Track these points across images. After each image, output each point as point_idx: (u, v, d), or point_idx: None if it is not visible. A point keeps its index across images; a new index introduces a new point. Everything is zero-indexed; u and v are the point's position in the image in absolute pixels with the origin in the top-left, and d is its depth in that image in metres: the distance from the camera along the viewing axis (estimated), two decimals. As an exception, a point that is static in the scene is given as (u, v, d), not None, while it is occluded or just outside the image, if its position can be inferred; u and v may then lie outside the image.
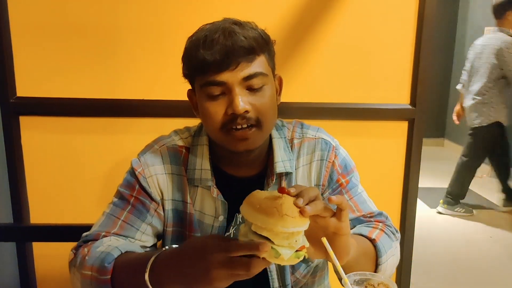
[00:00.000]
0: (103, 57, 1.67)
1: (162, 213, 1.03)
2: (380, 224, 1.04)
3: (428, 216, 3.80)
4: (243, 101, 0.91)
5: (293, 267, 1.07)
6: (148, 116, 1.70)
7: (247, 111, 0.91)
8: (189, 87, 1.03)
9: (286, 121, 1.14)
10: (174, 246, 0.85)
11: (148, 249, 1.03)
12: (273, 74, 1.00)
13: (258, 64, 0.93)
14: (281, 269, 1.06)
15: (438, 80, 6.45)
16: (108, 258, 0.87)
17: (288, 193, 0.74)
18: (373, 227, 1.02)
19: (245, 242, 0.71)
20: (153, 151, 1.05)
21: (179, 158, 1.04)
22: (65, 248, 1.58)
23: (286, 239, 0.71)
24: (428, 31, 1.74)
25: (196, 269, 0.73)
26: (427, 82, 1.80)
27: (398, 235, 1.05)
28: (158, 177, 1.02)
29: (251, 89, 0.93)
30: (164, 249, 0.83)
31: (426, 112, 1.83)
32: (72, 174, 1.74)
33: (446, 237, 3.45)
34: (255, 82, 0.92)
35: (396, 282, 1.90)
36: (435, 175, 5.02)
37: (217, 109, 0.92)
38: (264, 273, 1.06)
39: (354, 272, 0.80)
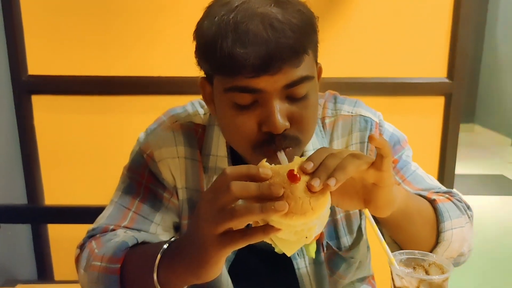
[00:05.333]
0: (115, 34, 1.62)
1: (176, 203, 0.89)
2: (446, 195, 0.87)
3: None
4: (282, 116, 0.70)
5: (330, 269, 0.92)
6: (164, 93, 1.64)
7: (286, 129, 0.72)
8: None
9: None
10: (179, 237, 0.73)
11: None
12: (316, 66, 0.79)
13: (305, 66, 0.71)
14: (316, 272, 0.91)
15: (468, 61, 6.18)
16: (121, 246, 0.75)
17: (304, 171, 0.58)
18: (436, 194, 0.86)
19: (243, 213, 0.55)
20: (164, 128, 0.89)
21: (193, 139, 0.88)
22: (80, 230, 1.53)
23: (294, 234, 0.58)
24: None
25: (195, 250, 0.61)
26: (466, 53, 1.66)
27: (471, 213, 0.86)
28: (170, 162, 0.87)
29: (292, 98, 0.72)
30: (171, 240, 0.71)
31: (464, 87, 1.70)
32: (86, 154, 1.71)
33: (481, 224, 3.30)
34: (300, 91, 0.72)
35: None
36: (466, 162, 4.82)
37: (247, 123, 0.72)
38: (294, 277, 0.91)
39: (401, 251, 0.67)
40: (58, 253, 1.78)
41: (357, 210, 0.92)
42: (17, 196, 1.68)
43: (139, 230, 0.84)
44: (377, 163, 0.61)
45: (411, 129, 1.70)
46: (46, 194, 1.72)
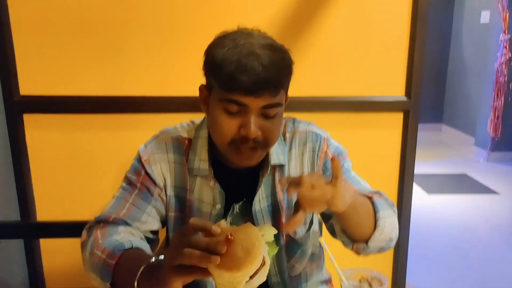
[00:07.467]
0: (106, 53, 1.70)
1: (165, 198, 1.11)
2: (377, 194, 1.11)
3: (426, 202, 3.86)
4: (256, 127, 0.97)
5: (288, 254, 1.15)
6: (152, 112, 1.74)
7: (257, 136, 0.98)
8: (196, 81, 1.06)
9: None
10: (160, 257, 0.88)
11: (152, 235, 1.10)
12: (286, 97, 1.05)
13: (279, 96, 0.98)
14: (276, 256, 1.12)
15: (435, 66, 6.45)
16: (119, 246, 0.94)
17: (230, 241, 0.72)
18: (370, 193, 1.10)
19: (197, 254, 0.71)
20: (159, 140, 1.13)
21: (181, 148, 1.12)
22: (71, 244, 1.64)
23: (226, 281, 0.71)
24: (422, 24, 1.77)
25: (160, 273, 0.78)
26: (422, 73, 1.84)
27: (395, 208, 1.10)
28: (162, 165, 1.10)
29: (265, 116, 0.98)
30: (152, 259, 0.87)
31: (421, 103, 1.88)
32: (77, 171, 1.79)
33: (443, 222, 3.52)
34: (272, 112, 0.98)
35: (392, 265, 1.98)
36: (433, 161, 5.09)
37: (231, 126, 0.98)
38: None
39: (351, 268, 0.85)
40: (50, 265, 1.86)
41: None
42: (11, 213, 1.76)
43: (133, 219, 1.06)
44: (332, 181, 0.86)
45: (374, 141, 1.89)
46: (38, 210, 1.80)
